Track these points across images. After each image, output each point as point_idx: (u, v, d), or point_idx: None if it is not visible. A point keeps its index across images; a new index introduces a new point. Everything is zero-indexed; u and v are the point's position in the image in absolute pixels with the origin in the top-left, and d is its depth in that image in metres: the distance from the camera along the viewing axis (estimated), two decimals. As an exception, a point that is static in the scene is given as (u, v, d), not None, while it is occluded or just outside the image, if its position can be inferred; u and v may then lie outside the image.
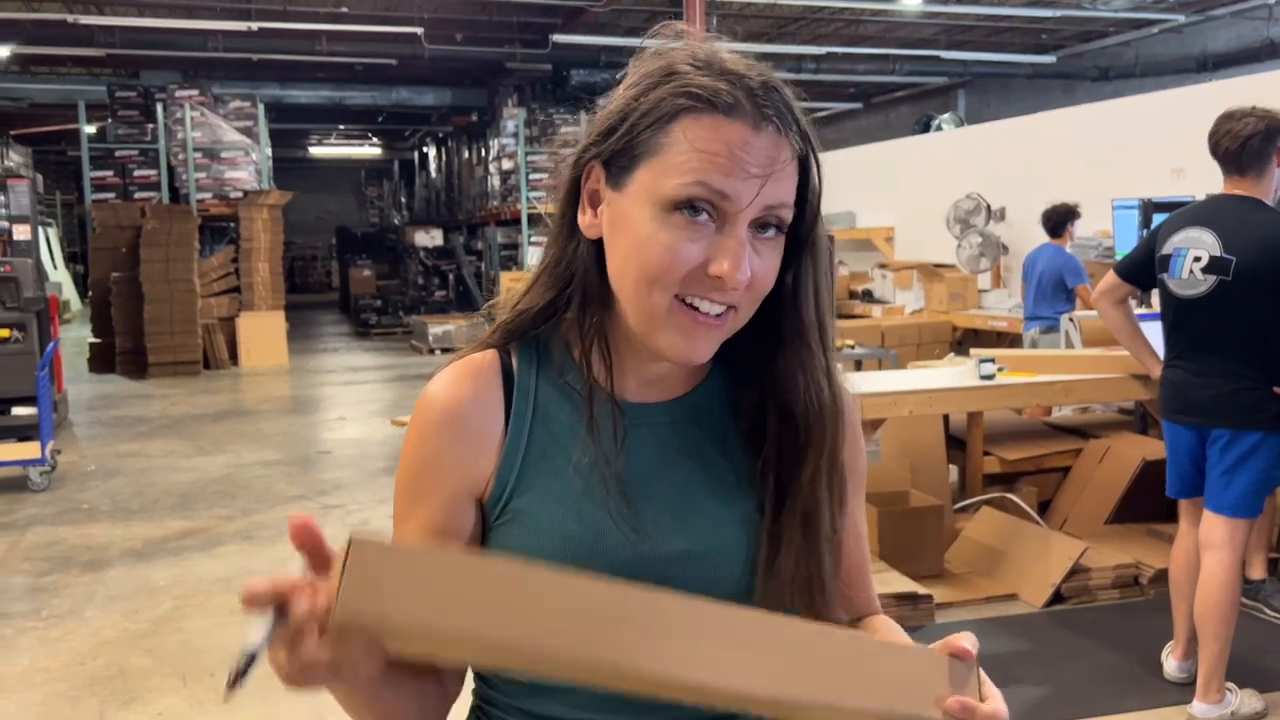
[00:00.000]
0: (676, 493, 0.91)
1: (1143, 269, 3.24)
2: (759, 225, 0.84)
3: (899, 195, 9.94)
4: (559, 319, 0.94)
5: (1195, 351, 3.06)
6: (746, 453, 0.93)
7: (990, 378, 3.97)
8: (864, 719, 0.75)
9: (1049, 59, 14.95)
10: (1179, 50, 14.12)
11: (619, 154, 0.86)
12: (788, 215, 0.85)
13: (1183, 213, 3.17)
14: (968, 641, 0.79)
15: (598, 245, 0.90)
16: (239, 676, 0.67)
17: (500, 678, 0.94)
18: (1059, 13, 12.51)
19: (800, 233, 0.88)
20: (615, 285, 0.88)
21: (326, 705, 3.12)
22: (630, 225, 0.85)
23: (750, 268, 0.83)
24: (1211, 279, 2.98)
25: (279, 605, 0.69)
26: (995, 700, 0.79)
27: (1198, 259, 3.00)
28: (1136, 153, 7.22)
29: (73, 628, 4.15)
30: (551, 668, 0.70)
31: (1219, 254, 2.96)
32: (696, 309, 0.84)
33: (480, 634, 0.67)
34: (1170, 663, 3.35)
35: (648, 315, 0.85)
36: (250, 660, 0.67)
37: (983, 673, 0.81)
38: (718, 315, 0.84)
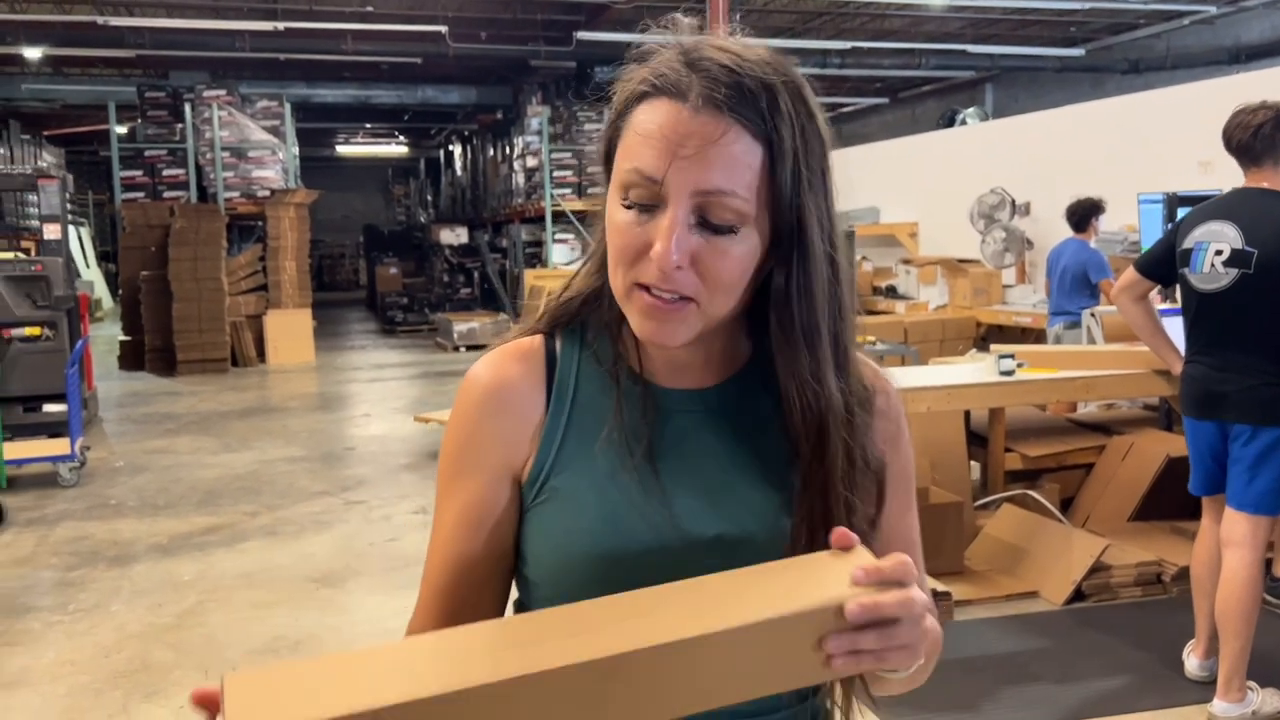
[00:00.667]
0: (710, 478, 0.91)
1: (1163, 264, 3.20)
2: (711, 217, 0.82)
3: (923, 190, 9.87)
4: (599, 306, 0.95)
5: (1217, 346, 3.02)
6: (784, 441, 0.91)
7: (1010, 374, 3.94)
8: (779, 633, 0.72)
9: (1078, 52, 14.80)
10: (1211, 42, 13.94)
11: (612, 141, 0.89)
12: (738, 203, 0.82)
13: (1204, 206, 3.13)
14: (852, 535, 0.78)
15: None
16: None
17: None
18: (1088, 4, 12.37)
19: (780, 227, 0.85)
20: None
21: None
22: (607, 209, 0.88)
23: (688, 251, 0.82)
24: (1233, 272, 2.94)
25: None
26: (893, 555, 0.76)
27: (1219, 252, 2.96)
28: (1163, 146, 7.13)
29: (98, 621, 4.20)
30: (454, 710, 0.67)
31: (1241, 247, 2.92)
32: (649, 290, 0.84)
33: (370, 706, 0.65)
34: (1191, 661, 3.32)
35: (619, 297, 0.88)
36: None
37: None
38: (672, 300, 0.83)
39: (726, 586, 0.75)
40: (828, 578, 0.75)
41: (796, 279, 0.86)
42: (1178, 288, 3.25)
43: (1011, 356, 3.96)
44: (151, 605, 4.38)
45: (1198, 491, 3.21)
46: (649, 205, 0.83)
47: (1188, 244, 3.07)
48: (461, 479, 0.94)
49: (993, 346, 4.55)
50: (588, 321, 0.96)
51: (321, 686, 0.67)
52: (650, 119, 0.83)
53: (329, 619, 4.19)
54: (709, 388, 0.94)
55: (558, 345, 0.96)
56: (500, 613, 0.97)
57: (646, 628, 0.70)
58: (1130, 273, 3.34)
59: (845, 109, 20.20)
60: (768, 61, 0.85)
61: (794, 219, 0.84)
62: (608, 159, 0.90)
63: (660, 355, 0.93)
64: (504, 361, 0.96)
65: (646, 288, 0.84)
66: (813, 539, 0.87)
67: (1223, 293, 2.97)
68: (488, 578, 0.95)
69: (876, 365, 0.98)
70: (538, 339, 0.97)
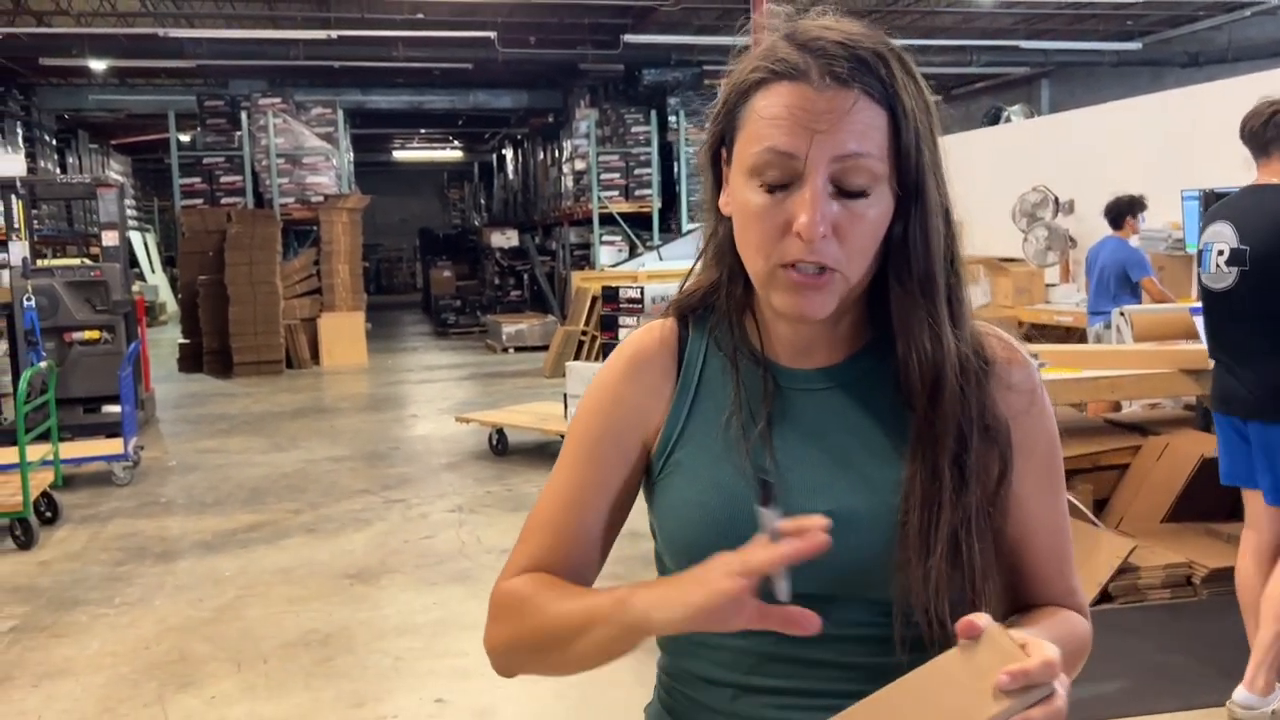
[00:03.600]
0: (827, 457, 0.94)
1: None
2: (847, 183, 0.86)
3: (967, 188, 9.71)
4: (720, 295, 1.00)
5: (1230, 344, 3.06)
6: (904, 418, 0.93)
7: (1033, 373, 3.90)
8: None
9: (1135, 46, 14.52)
10: (1274, 33, 13.58)
11: (726, 131, 0.93)
12: (873, 164, 0.86)
13: (1216, 208, 3.20)
14: (977, 619, 0.77)
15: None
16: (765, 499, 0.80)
17: (667, 640, 1.01)
18: (1144, -3, 12.15)
19: (903, 184, 0.88)
20: (740, 255, 0.93)
21: (365, 692, 3.25)
22: (736, 196, 0.91)
23: (830, 220, 0.85)
24: (1234, 271, 2.98)
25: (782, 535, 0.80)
26: (1039, 648, 0.75)
27: (1220, 252, 3.02)
28: (1209, 141, 6.98)
29: (141, 615, 4.35)
30: None
31: (1236, 245, 2.97)
32: (793, 267, 0.87)
33: None
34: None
35: (759, 279, 0.91)
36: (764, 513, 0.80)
37: (1009, 632, 0.76)
38: (817, 274, 0.87)
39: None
40: (971, 694, 0.71)
41: (914, 229, 0.89)
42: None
43: (1035, 355, 3.92)
44: (192, 600, 4.52)
45: (1227, 481, 3.21)
46: (784, 184, 0.86)
47: (1200, 245, 3.13)
48: (593, 431, 1.01)
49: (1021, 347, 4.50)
50: (712, 310, 1.02)
51: None
52: (776, 102, 0.87)
53: (361, 614, 4.29)
54: (831, 366, 0.97)
55: (689, 328, 1.03)
56: (599, 561, 1.03)
57: None
58: None
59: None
60: (869, 34, 0.89)
61: (917, 176, 0.88)
62: (714, 157, 0.95)
63: (785, 336, 0.97)
64: (646, 337, 1.03)
65: (790, 265, 0.87)
66: (925, 505, 0.89)
67: (1229, 291, 3.01)
68: (595, 526, 1.01)
69: (1012, 340, 0.99)
70: (671, 321, 1.04)
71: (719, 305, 1.00)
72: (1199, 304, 4.10)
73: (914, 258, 0.90)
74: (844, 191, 0.86)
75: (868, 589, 0.91)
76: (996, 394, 0.93)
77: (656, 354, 1.02)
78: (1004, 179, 8.68)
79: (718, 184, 0.96)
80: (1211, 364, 3.23)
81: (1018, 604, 0.99)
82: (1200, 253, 3.10)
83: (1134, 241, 6.04)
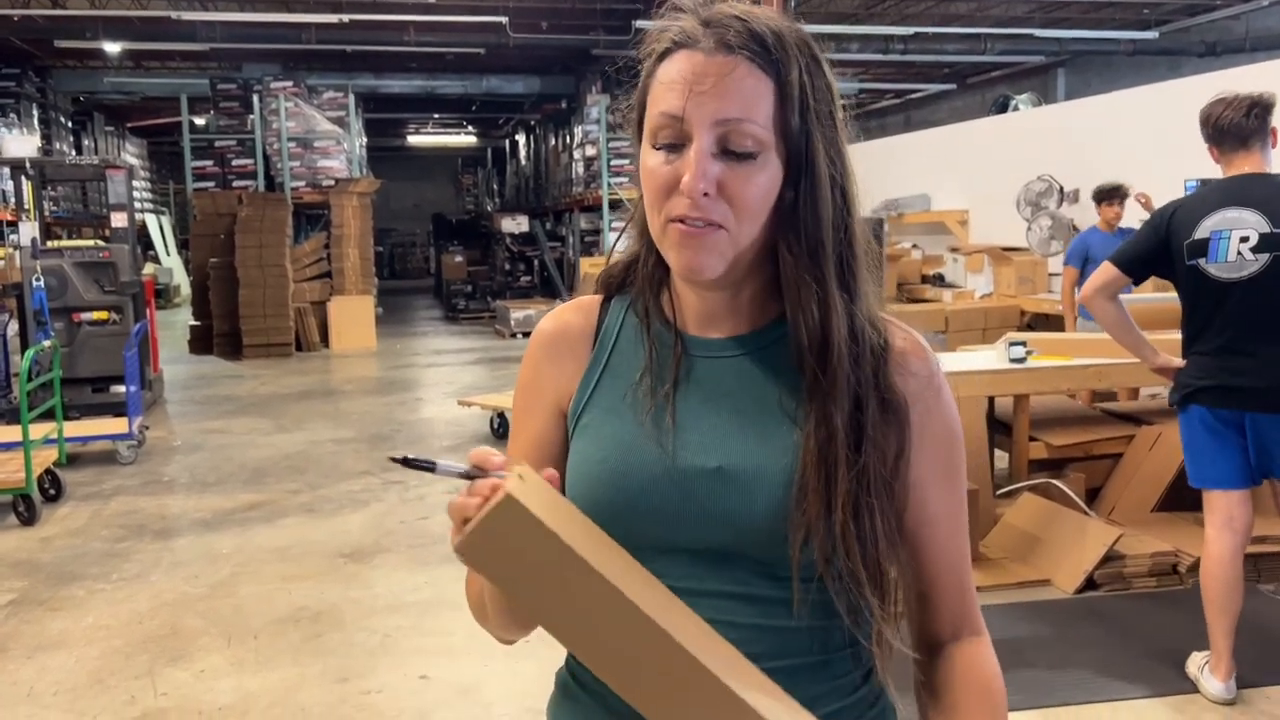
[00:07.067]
0: (724, 418, 0.98)
1: (1150, 262, 3.13)
2: (732, 145, 0.89)
3: (974, 177, 9.74)
4: (638, 267, 1.05)
5: (1245, 335, 2.95)
6: (801, 386, 0.96)
7: (1021, 360, 3.91)
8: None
9: (1151, 35, 14.39)
10: (1292, 23, 13.45)
11: (641, 106, 0.97)
12: (756, 130, 0.90)
13: (1204, 196, 3.03)
14: None
15: None
16: (409, 462, 0.82)
17: None
18: (1160, -14, 12.03)
19: (791, 154, 0.92)
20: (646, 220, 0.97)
21: (351, 668, 3.29)
22: (642, 162, 0.95)
23: (713, 179, 0.89)
24: (1264, 258, 2.89)
25: (475, 473, 0.83)
26: None
27: (1244, 239, 2.90)
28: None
29: (137, 590, 4.42)
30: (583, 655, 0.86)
31: (1269, 230, 2.88)
32: (682, 222, 0.91)
33: (549, 622, 0.83)
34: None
35: (656, 239, 0.95)
36: (428, 466, 0.82)
37: None
38: (703, 226, 0.90)
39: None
40: None
41: (804, 197, 0.93)
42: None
43: (1023, 344, 3.93)
44: (188, 576, 4.58)
45: (1223, 484, 3.07)
46: (676, 145, 0.91)
47: (1200, 234, 2.97)
48: (525, 417, 1.07)
49: (1008, 334, 4.51)
50: (634, 280, 1.06)
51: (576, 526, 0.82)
52: (670, 69, 0.92)
53: (352, 592, 4.34)
54: (738, 335, 1.01)
55: (611, 303, 1.07)
56: None
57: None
58: (1108, 270, 3.18)
59: (913, 95, 19.92)
60: (776, 17, 0.94)
61: (803, 145, 0.92)
62: (640, 125, 0.98)
63: (693, 305, 1.01)
64: (564, 313, 1.09)
65: (680, 220, 0.91)
66: (821, 462, 0.91)
67: (1255, 279, 2.91)
68: None
69: (916, 334, 1.02)
70: (596, 296, 1.09)
71: (642, 276, 1.04)
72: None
73: (803, 225, 0.93)
74: (731, 153, 0.90)
75: (760, 548, 0.93)
76: (895, 377, 0.96)
77: (574, 328, 1.06)
78: (1009, 168, 8.66)
79: None
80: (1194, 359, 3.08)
81: (923, 629, 1.03)
82: (1204, 242, 2.95)
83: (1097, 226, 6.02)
